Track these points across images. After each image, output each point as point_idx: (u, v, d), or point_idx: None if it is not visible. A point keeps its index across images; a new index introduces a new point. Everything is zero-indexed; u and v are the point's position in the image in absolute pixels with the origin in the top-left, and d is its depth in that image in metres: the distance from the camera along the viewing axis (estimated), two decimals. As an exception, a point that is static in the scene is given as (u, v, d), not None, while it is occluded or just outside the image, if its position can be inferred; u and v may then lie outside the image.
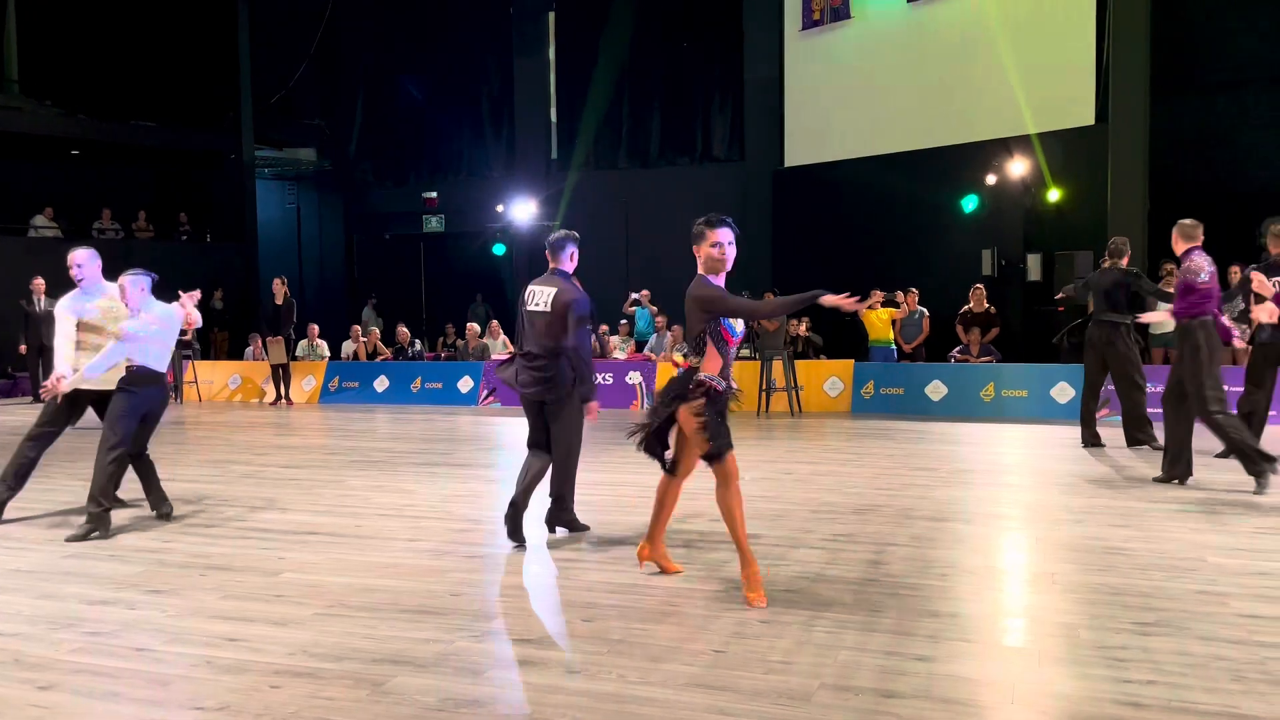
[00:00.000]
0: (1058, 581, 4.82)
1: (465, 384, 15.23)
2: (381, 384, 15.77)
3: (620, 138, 21.23)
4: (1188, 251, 7.25)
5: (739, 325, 4.48)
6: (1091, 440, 9.12)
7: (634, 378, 14.20)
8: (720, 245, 4.41)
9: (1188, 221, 7.42)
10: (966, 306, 13.49)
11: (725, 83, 19.98)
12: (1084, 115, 14.53)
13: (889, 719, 3.15)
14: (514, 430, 11.88)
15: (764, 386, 12.82)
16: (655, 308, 15.69)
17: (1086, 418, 9.20)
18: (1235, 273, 11.39)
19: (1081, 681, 3.47)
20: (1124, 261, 9.04)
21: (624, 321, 15.72)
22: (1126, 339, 8.91)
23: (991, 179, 15.52)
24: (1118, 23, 13.74)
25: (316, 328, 16.81)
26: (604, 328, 15.93)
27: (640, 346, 15.48)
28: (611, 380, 14.37)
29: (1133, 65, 13.59)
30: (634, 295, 16.05)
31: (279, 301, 15.44)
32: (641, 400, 14.02)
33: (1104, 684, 3.43)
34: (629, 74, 20.67)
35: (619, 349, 15.41)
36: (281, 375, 15.52)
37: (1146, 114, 13.64)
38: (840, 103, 17.50)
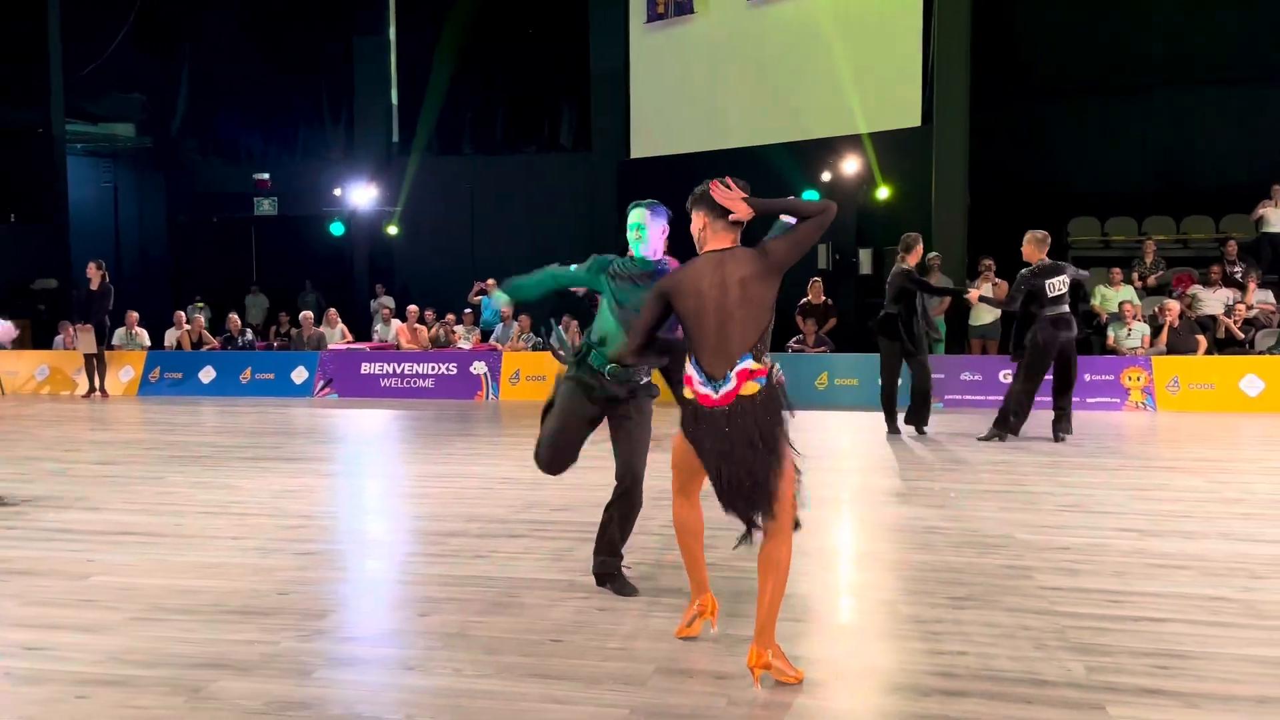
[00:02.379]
0: (879, 559, 5.06)
1: (299, 374, 14.66)
2: (208, 375, 14.98)
3: (464, 123, 20.88)
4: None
5: None
6: (895, 429, 9.50)
7: (479, 368, 14.02)
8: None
9: (1039, 234, 8.62)
10: (805, 298, 13.95)
11: (571, 72, 19.93)
12: (911, 117, 15.27)
13: (721, 699, 3.22)
14: (352, 423, 11.52)
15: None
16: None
17: (889, 407, 9.59)
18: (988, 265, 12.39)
19: (900, 655, 3.65)
20: (910, 259, 9.40)
21: (469, 311, 15.49)
22: (901, 331, 9.28)
23: (827, 176, 16.10)
24: (941, 29, 14.49)
25: (135, 315, 15.78)
26: (449, 317, 15.67)
27: (486, 336, 15.29)
28: (456, 370, 14.14)
29: (955, 70, 14.37)
30: (479, 284, 15.83)
31: (95, 287, 14.42)
32: (486, 391, 13.85)
33: (920, 656, 3.62)
34: (473, 59, 20.34)
35: (464, 339, 15.17)
36: (95, 365, 14.51)
37: (967, 117, 14.44)
38: (685, 96, 17.76)
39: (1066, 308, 8.71)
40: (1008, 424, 8.80)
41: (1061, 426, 8.84)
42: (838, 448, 9.00)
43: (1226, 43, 14.66)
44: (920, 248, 9.36)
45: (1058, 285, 8.61)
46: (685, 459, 3.66)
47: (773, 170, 16.36)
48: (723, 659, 3.57)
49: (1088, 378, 11.30)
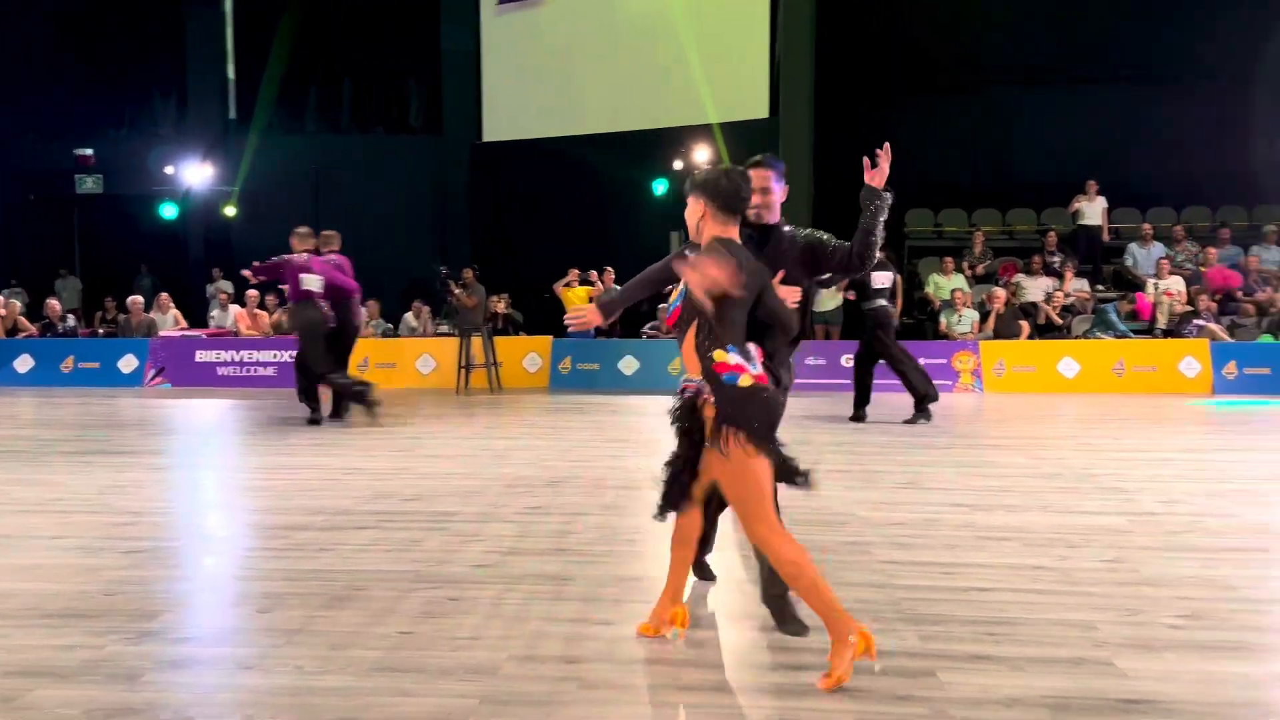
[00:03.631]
0: (731, 540, 5.18)
1: (128, 363, 13.81)
2: (24, 364, 13.93)
3: (308, 101, 20.07)
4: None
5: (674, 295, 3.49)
6: None
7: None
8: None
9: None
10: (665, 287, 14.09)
11: (421, 51, 19.45)
12: (759, 108, 15.64)
13: (571, 683, 3.23)
14: (186, 413, 10.94)
15: (463, 363, 12.70)
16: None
17: None
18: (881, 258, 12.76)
19: (745, 633, 3.74)
20: None
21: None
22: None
23: (679, 164, 16.31)
24: (787, 24, 14.89)
25: (-60, 300, 14.50)
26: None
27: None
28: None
29: (800, 64, 14.80)
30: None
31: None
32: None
33: (769, 633, 3.72)
34: (317, 34, 19.56)
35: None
36: (-107, 355, 13.26)
37: (812, 111, 14.90)
38: (538, 80, 17.62)
39: (885, 300, 9.39)
40: (927, 406, 9.35)
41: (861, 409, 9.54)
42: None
43: (1049, 48, 15.63)
44: None
45: (882, 279, 9.19)
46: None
47: (626, 157, 16.47)
48: (576, 644, 3.57)
49: (922, 361, 11.87)
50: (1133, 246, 14.03)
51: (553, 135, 17.36)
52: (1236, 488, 6.25)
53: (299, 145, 19.48)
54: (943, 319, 12.88)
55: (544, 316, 15.47)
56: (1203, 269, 13.34)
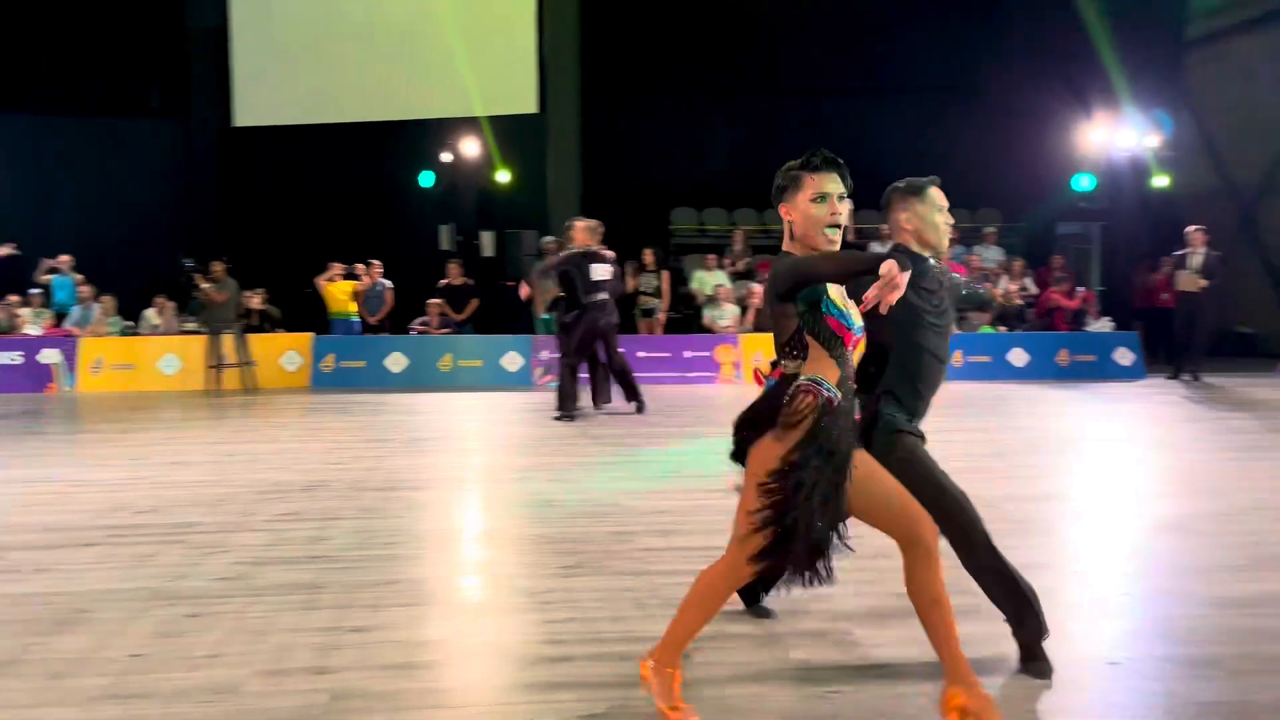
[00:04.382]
0: (499, 536, 5.14)
1: None
2: None
3: (30, 78, 18.09)
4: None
5: (854, 312, 2.85)
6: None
7: (51, 356, 12.29)
8: (826, 197, 2.83)
9: (590, 222, 9.11)
10: (445, 280, 13.74)
11: (164, 27, 17.98)
12: (527, 103, 15.61)
13: (322, 695, 3.08)
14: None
15: (213, 363, 11.89)
16: (80, 276, 13.70)
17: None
18: (648, 254, 13.10)
19: (515, 627, 3.72)
20: (575, 244, 9.65)
21: (38, 291, 13.50)
22: (568, 315, 9.58)
23: (447, 157, 16.02)
24: (552, 20, 14.94)
25: None
26: (12, 298, 13.54)
27: (60, 320, 13.42)
28: (22, 359, 12.29)
29: (566, 62, 14.90)
30: (49, 261, 13.86)
31: None
32: (60, 382, 12.18)
33: (534, 626, 3.72)
34: (44, 5, 17.65)
35: (31, 324, 13.20)
36: None
37: (578, 108, 15.05)
38: (295, 63, 16.75)
39: (605, 294, 9.14)
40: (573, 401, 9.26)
41: (601, 396, 9.60)
42: (462, 429, 9.01)
43: (803, 57, 16.54)
44: (576, 231, 9.50)
45: (600, 271, 9.11)
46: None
47: (392, 148, 16.00)
48: (327, 654, 3.41)
49: (686, 354, 12.31)
50: (874, 245, 15.13)
51: (312, 122, 16.56)
52: (962, 465, 6.82)
53: (20, 127, 17.53)
54: (706, 313, 13.38)
55: (304, 312, 14.75)
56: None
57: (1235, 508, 5.66)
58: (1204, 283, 11.80)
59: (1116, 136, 14.93)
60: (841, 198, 2.84)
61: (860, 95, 16.31)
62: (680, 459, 7.15)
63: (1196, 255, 11.95)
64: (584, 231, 9.29)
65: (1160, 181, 15.30)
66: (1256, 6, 15.94)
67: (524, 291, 10.23)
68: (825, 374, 2.79)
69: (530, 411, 9.73)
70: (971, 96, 16.05)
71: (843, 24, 16.35)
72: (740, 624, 3.71)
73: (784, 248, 2.93)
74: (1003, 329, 13.25)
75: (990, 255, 14.98)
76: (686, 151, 16.25)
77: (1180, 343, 12.19)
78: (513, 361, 12.32)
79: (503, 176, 15.73)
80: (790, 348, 2.82)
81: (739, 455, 2.94)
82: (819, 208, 2.81)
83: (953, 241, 14.97)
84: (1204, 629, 3.76)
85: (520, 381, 11.95)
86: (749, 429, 2.88)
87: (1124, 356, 12.78)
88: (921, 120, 16.08)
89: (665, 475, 6.57)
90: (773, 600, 3.89)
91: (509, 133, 15.64)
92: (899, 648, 3.49)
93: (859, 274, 2.64)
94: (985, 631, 3.50)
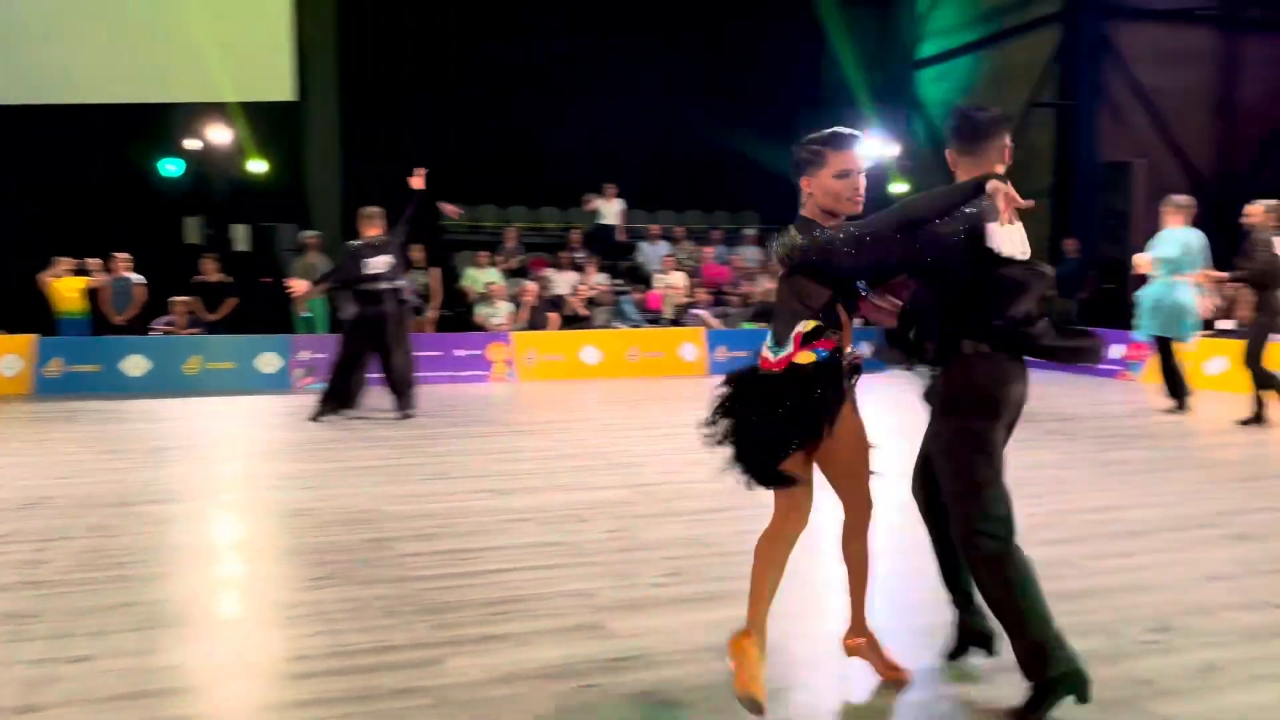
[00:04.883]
0: (247, 550, 4.84)
1: None
2: None
3: None
4: None
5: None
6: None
7: None
8: (850, 174, 2.93)
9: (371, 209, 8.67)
10: (200, 277, 12.75)
11: None
12: (283, 91, 14.82)
13: (26, 737, 2.78)
14: None
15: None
16: None
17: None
18: (417, 253, 12.76)
19: (259, 646, 3.51)
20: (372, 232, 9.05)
21: None
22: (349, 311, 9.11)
23: (195, 144, 14.94)
24: (309, 6, 14.25)
25: None
26: None
27: None
28: None
29: (324, 50, 14.26)
30: None
31: None
32: None
33: (279, 643, 3.53)
34: None
35: None
36: None
37: (338, 97, 14.44)
38: (9, 37, 15.04)
39: (383, 285, 8.73)
40: (336, 402, 8.87)
41: (405, 404, 8.96)
42: (212, 436, 8.42)
43: (573, 53, 16.65)
44: (364, 224, 9.01)
45: (377, 264, 8.71)
46: None
47: (130, 133, 14.72)
48: (38, 689, 3.08)
49: (458, 353, 12.12)
50: (643, 244, 15.49)
51: (30, 103, 14.94)
52: (721, 455, 7.15)
53: None
54: (478, 311, 13.22)
55: (24, 312, 13.29)
56: (700, 264, 15.13)
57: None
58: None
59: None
60: (861, 173, 2.97)
61: (631, 94, 16.63)
62: (447, 461, 7.01)
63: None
64: (364, 220, 8.91)
65: (900, 187, 16.55)
66: (976, 30, 17.59)
67: (297, 289, 9.55)
68: (847, 341, 3.01)
69: (288, 416, 9.25)
70: (730, 99, 16.74)
71: (606, 23, 16.62)
72: (497, 625, 3.68)
73: (804, 214, 3.00)
74: (762, 325, 13.91)
75: (750, 255, 15.70)
76: (456, 146, 15.99)
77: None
78: (269, 363, 11.65)
79: (257, 166, 14.84)
80: (825, 318, 2.91)
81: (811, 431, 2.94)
82: (843, 183, 2.94)
83: (715, 242, 15.69)
84: (933, 601, 4.09)
85: (278, 385, 11.33)
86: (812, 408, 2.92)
87: (864, 349, 13.76)
88: (684, 121, 16.60)
89: (430, 478, 6.42)
90: (500, 602, 3.89)
91: (265, 121, 14.78)
92: (653, 637, 3.57)
93: (962, 204, 2.83)
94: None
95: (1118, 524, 5.16)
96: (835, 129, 3.01)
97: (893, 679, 3.21)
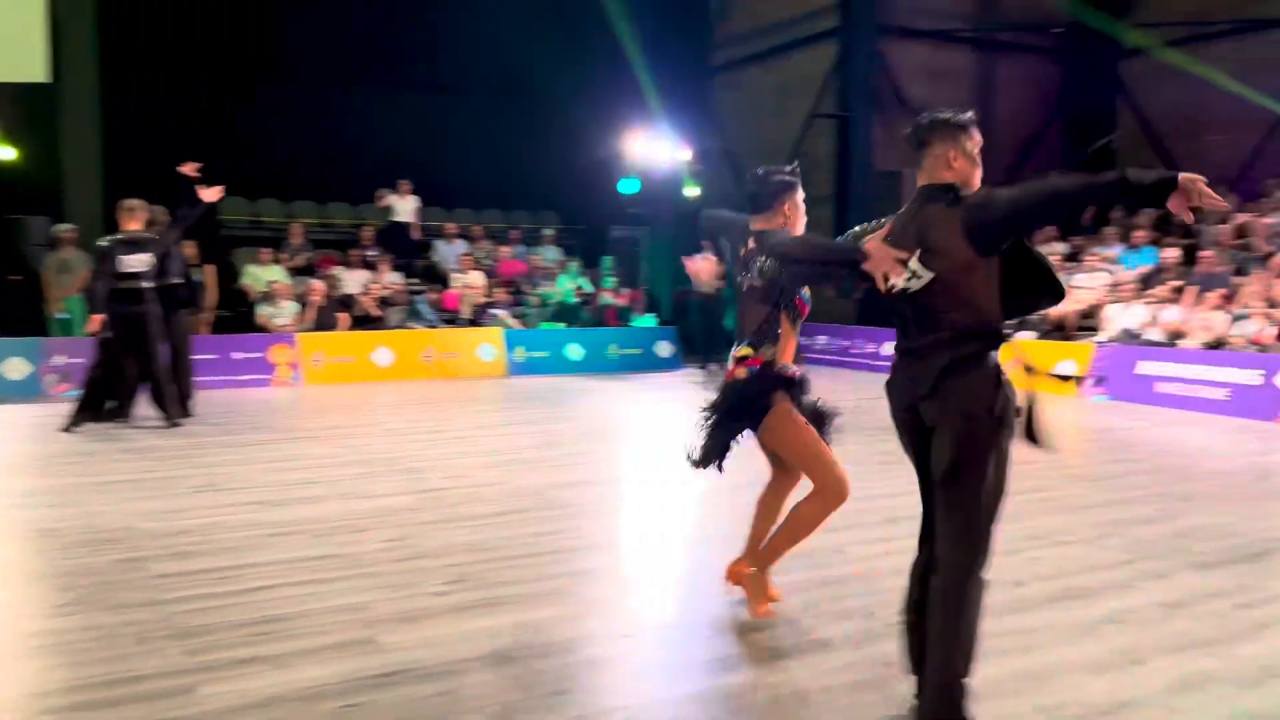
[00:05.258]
0: (-30, 580, 4.35)
1: None
2: None
3: None
4: None
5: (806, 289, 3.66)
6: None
7: None
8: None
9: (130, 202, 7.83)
10: None
11: None
12: (34, 71, 13.49)
13: None
14: None
15: None
16: None
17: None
18: (190, 249, 11.93)
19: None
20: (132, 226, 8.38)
21: None
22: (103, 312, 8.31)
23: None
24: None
25: None
26: None
27: None
28: None
29: (82, 28, 13.11)
30: None
31: None
32: None
33: (16, 679, 3.20)
34: None
35: None
36: None
37: (98, 81, 13.30)
38: None
39: (145, 284, 8.14)
40: (92, 410, 8.23)
41: (171, 411, 8.33)
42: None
43: (361, 45, 16.06)
44: (124, 218, 8.26)
45: (135, 262, 8.10)
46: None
47: None
48: None
49: (236, 356, 11.44)
50: (439, 243, 15.16)
51: None
52: (512, 457, 7.08)
53: None
54: (260, 311, 12.53)
55: None
56: (498, 264, 14.97)
57: (753, 480, 6.41)
58: (720, 283, 13.28)
59: (654, 148, 16.35)
60: None
61: (423, 90, 16.24)
62: (216, 472, 6.58)
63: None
64: (123, 213, 8.23)
65: (692, 192, 17.00)
66: (763, 42, 18.32)
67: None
68: (788, 354, 3.67)
69: (38, 426, 8.43)
70: (531, 99, 16.66)
71: (404, 16, 16.17)
72: (257, 646, 3.47)
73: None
74: (561, 324, 13.92)
75: (549, 255, 15.69)
76: (235, 135, 15.09)
77: (707, 337, 13.65)
78: (16, 369, 10.58)
79: (5, 153, 13.46)
80: (762, 335, 3.61)
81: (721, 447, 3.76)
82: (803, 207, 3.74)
83: (514, 241, 15.59)
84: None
85: (26, 392, 10.29)
86: (737, 419, 3.69)
87: (665, 349, 14.04)
88: (483, 120, 16.39)
89: (194, 491, 6.00)
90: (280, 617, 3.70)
91: (13, 104, 13.40)
92: (428, 649, 3.47)
93: (839, 264, 3.06)
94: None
95: (880, 511, 5.48)
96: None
97: (763, 615, 3.77)
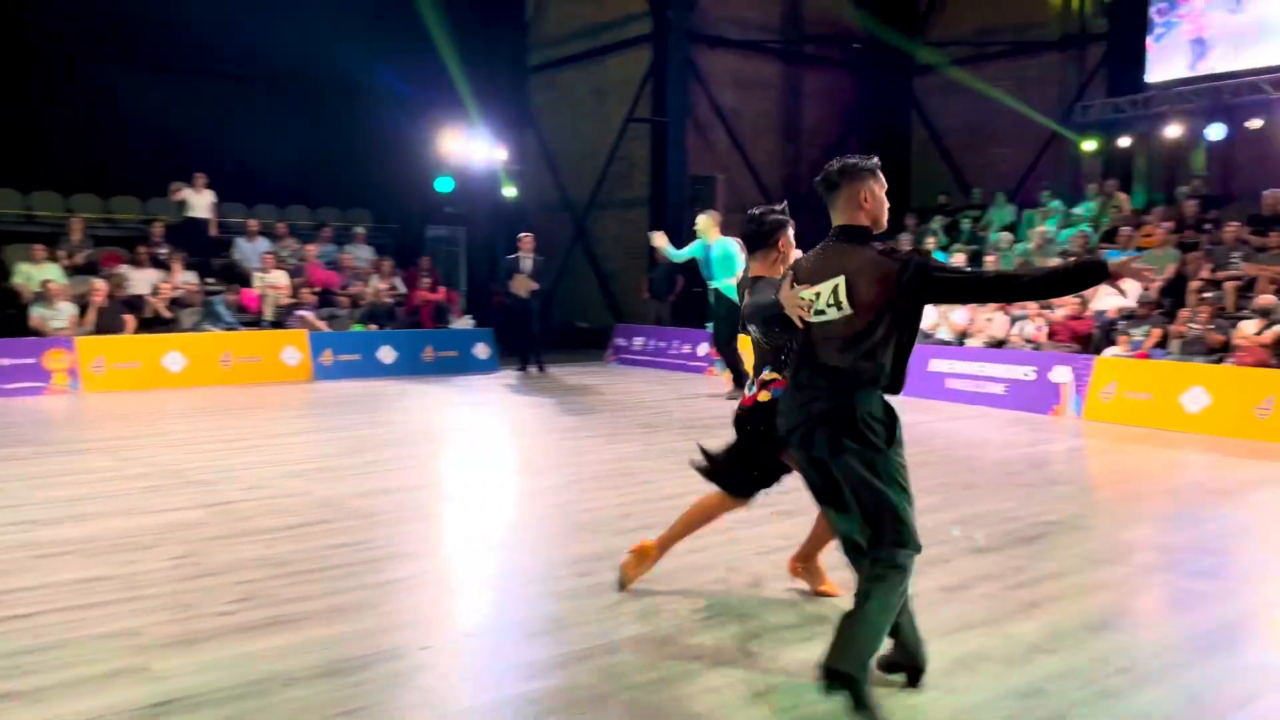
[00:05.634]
0: None
1: None
2: None
3: None
4: None
5: None
6: None
7: None
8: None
9: None
10: None
11: None
12: None
13: None
14: None
15: None
16: None
17: None
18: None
19: None
20: None
21: None
22: None
23: None
24: None
25: None
26: None
27: None
28: None
29: None
30: None
31: None
32: None
33: None
34: None
35: None
36: None
37: None
38: None
39: None
40: None
41: None
42: None
43: (160, 34, 14.97)
44: None
45: None
46: None
47: None
48: None
49: (4, 362, 10.44)
50: (240, 241, 14.34)
51: None
52: (315, 466, 6.77)
53: None
54: (34, 312, 11.47)
55: None
56: (304, 263, 14.31)
57: (568, 481, 6.38)
58: (535, 285, 13.22)
59: (470, 148, 16.10)
60: None
61: (222, 78, 15.36)
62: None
63: (527, 260, 13.33)
64: None
65: (510, 192, 16.85)
66: (579, 44, 18.39)
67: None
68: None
69: None
70: (340, 92, 16.02)
71: (205, 6, 15.17)
72: (12, 680, 3.14)
73: (766, 273, 3.84)
74: (373, 327, 13.47)
75: (362, 254, 15.16)
76: (4, 121, 13.79)
77: (524, 338, 13.54)
78: None
79: None
80: (783, 362, 3.68)
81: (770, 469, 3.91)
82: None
83: (323, 240, 14.96)
84: (546, 593, 4.15)
85: None
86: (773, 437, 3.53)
87: (482, 351, 13.82)
88: (288, 112, 15.63)
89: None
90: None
91: None
92: (207, 674, 3.24)
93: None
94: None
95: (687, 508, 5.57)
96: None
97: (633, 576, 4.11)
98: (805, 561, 4.14)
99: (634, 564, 4.09)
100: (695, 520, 4.11)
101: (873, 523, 3.01)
